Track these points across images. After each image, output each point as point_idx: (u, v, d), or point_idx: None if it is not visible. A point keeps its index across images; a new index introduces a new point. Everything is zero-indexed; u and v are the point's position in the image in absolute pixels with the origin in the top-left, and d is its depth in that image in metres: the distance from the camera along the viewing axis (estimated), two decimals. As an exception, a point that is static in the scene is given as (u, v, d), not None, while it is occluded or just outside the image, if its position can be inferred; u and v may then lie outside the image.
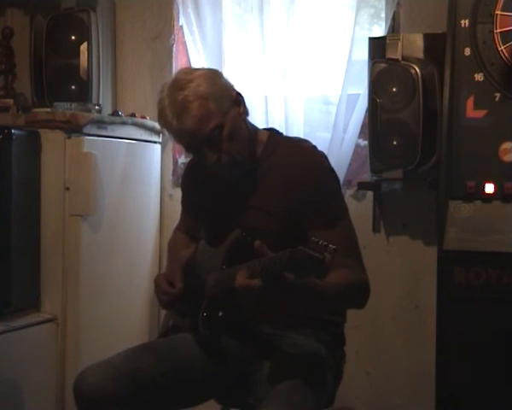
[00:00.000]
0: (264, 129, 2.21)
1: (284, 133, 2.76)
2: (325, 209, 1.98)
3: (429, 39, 2.74)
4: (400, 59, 2.72)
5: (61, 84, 3.20)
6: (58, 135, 2.85)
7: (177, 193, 2.39)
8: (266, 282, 1.73)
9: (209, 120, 1.93)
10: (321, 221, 1.96)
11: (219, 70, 2.13)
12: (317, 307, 1.98)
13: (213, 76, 2.00)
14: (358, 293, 2.00)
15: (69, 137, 2.85)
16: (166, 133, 2.04)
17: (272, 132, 2.16)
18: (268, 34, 3.14)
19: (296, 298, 1.76)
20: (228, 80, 2.05)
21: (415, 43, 2.74)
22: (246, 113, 2.04)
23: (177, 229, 2.38)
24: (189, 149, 2.07)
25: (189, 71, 2.03)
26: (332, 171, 2.08)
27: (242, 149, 2.00)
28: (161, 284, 2.11)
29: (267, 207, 2.02)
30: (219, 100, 1.95)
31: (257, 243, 1.79)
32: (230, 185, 2.07)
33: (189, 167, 2.29)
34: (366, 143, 2.96)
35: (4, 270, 2.73)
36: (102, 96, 3.26)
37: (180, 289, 2.08)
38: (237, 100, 2.01)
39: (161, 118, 1.98)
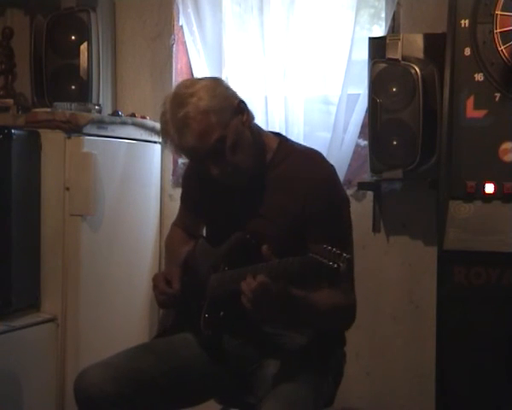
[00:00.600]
0: (271, 132, 2.20)
1: (284, 134, 2.77)
2: (328, 227, 1.97)
3: (429, 39, 2.74)
4: (400, 59, 2.72)
5: (61, 84, 3.20)
6: (58, 135, 2.85)
7: (177, 193, 2.40)
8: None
9: (211, 134, 1.93)
10: (322, 238, 1.93)
11: (220, 78, 2.12)
12: (303, 321, 1.97)
13: (214, 87, 1.99)
14: (347, 316, 2.01)
15: (69, 137, 2.85)
16: (169, 147, 2.03)
17: (282, 139, 2.14)
18: (268, 34, 3.14)
19: (290, 309, 1.78)
20: (229, 89, 2.04)
21: (415, 43, 2.74)
22: (250, 119, 2.03)
23: (175, 224, 2.38)
24: (192, 161, 2.08)
25: (190, 83, 2.01)
26: (341, 188, 2.08)
27: (247, 158, 1.99)
28: (159, 284, 2.11)
29: (272, 214, 2.01)
30: (220, 112, 1.94)
31: (265, 247, 1.79)
32: (236, 188, 2.07)
33: (192, 165, 2.28)
34: (366, 143, 2.96)
35: (4, 270, 2.73)
36: (102, 96, 3.26)
37: (177, 289, 2.08)
38: (239, 108, 2.00)
39: (164, 133, 1.99)
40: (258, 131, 2.08)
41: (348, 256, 1.60)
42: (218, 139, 1.93)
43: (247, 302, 1.78)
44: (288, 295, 1.76)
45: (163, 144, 3.29)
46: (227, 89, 2.03)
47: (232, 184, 2.03)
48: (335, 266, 1.59)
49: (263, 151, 2.06)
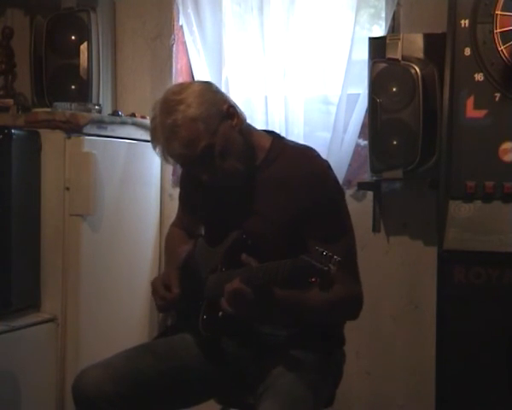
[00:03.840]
0: (265, 131, 2.20)
1: (284, 134, 2.77)
2: (325, 222, 1.98)
3: (429, 39, 2.74)
4: (400, 59, 2.72)
5: (61, 84, 3.20)
6: (58, 135, 2.85)
7: (177, 193, 2.40)
8: (262, 289, 1.75)
9: (198, 142, 1.93)
10: (320, 234, 1.95)
11: (211, 82, 2.12)
12: (303, 321, 2.00)
13: (203, 93, 1.99)
14: (349, 308, 2.01)
15: (69, 137, 2.85)
16: (157, 152, 2.02)
17: (275, 137, 2.14)
18: (268, 34, 3.14)
19: (279, 312, 1.80)
20: (219, 93, 2.05)
21: (415, 43, 2.74)
22: (240, 123, 2.02)
23: (174, 225, 2.39)
24: (182, 168, 2.09)
25: (179, 90, 2.00)
26: (335, 182, 2.07)
27: (237, 162, 1.99)
28: (158, 289, 2.10)
29: (268, 213, 2.01)
30: (208, 119, 1.94)
31: (243, 255, 1.81)
32: (231, 189, 2.07)
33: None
34: (366, 143, 2.96)
35: (4, 270, 2.73)
36: (102, 96, 3.26)
37: (177, 294, 2.08)
38: (229, 113, 2.00)
39: (153, 138, 1.99)
40: (249, 132, 2.08)
41: (339, 259, 1.60)
42: (206, 147, 1.94)
43: (225, 306, 1.84)
44: (272, 297, 1.77)
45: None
46: (216, 93, 2.03)
47: (224, 187, 2.04)
48: (326, 268, 1.59)
49: (254, 153, 2.06)
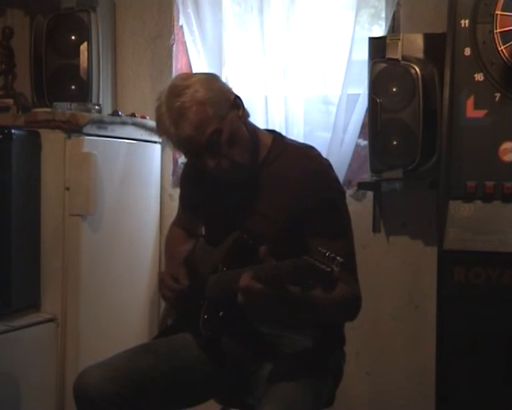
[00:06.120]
0: (266, 130, 2.20)
1: (284, 133, 2.77)
2: (326, 220, 1.97)
3: (429, 39, 2.75)
4: (400, 59, 2.72)
5: (61, 84, 3.20)
6: (58, 135, 2.85)
7: (177, 193, 2.40)
8: (276, 287, 1.74)
9: (207, 126, 1.92)
10: (321, 232, 1.95)
11: (217, 74, 2.13)
12: (307, 319, 1.98)
13: (210, 80, 1.99)
14: (350, 307, 2.00)
15: (69, 137, 2.85)
16: (165, 140, 2.03)
17: (276, 135, 2.14)
18: (268, 34, 3.14)
19: (289, 309, 1.77)
20: (225, 84, 2.05)
21: (415, 43, 2.75)
22: (245, 115, 2.03)
23: (174, 224, 2.38)
24: (188, 155, 2.07)
25: (186, 76, 2.02)
26: (336, 181, 2.07)
27: (243, 153, 1.99)
28: (166, 281, 2.10)
29: (269, 212, 2.01)
30: (217, 104, 1.94)
31: (262, 248, 1.79)
32: (232, 187, 2.07)
33: (190, 165, 2.28)
34: (366, 143, 2.96)
35: (4, 270, 2.73)
36: (102, 96, 3.26)
37: (186, 285, 2.07)
38: (235, 103, 2.00)
39: (159, 125, 1.98)
40: (252, 128, 2.08)
41: (341, 260, 1.59)
42: (215, 131, 1.93)
43: (241, 300, 1.78)
44: (286, 294, 1.75)
45: (162, 141, 3.31)
46: (223, 83, 2.04)
47: (229, 179, 2.02)
48: (328, 269, 1.59)
49: (258, 148, 2.05)
